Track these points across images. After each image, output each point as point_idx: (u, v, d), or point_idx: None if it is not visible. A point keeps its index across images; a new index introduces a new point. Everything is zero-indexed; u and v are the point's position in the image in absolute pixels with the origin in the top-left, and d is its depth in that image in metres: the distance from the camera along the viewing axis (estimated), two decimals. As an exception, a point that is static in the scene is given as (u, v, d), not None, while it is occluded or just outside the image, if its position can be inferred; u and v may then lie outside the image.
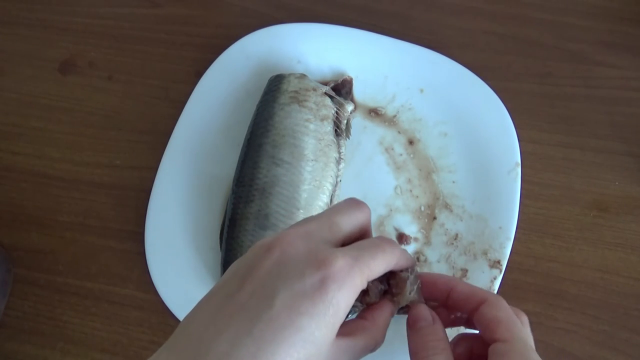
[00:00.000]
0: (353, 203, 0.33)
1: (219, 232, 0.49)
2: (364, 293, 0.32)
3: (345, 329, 0.29)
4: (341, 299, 0.27)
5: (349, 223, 0.31)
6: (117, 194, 0.54)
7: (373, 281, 0.32)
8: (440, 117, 0.53)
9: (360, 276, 0.28)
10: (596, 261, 0.49)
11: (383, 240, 0.31)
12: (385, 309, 0.33)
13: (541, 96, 0.55)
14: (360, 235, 0.33)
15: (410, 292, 0.33)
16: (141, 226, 0.50)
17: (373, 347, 0.31)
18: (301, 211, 0.46)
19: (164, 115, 0.56)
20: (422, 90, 0.54)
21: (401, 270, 0.33)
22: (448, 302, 0.34)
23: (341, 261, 0.28)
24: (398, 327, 0.46)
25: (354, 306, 0.33)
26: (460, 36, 0.58)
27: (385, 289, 0.33)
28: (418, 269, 0.36)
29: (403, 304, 0.33)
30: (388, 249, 0.31)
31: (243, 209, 0.46)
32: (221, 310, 0.27)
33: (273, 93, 0.50)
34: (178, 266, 0.49)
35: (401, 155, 0.52)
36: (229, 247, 0.46)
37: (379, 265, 0.29)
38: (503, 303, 0.32)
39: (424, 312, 0.33)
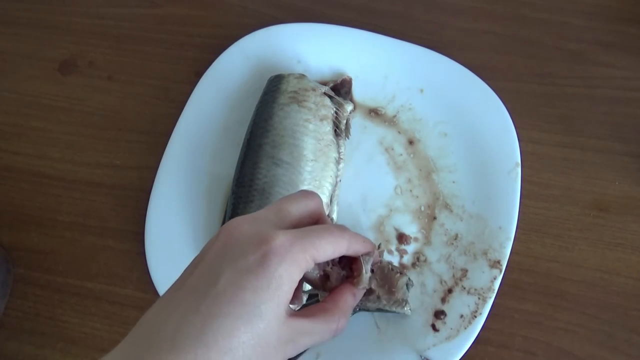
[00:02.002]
0: (303, 192, 0.34)
1: (218, 232, 0.49)
2: (326, 279, 0.33)
3: (303, 312, 0.30)
4: (283, 273, 0.28)
5: (297, 209, 0.32)
6: (117, 194, 0.54)
7: (333, 267, 0.33)
8: (440, 117, 0.53)
9: (303, 252, 0.29)
10: (596, 261, 0.49)
11: (333, 225, 0.32)
12: (345, 291, 0.33)
13: (541, 96, 0.55)
14: (314, 223, 0.33)
15: (367, 272, 0.33)
16: (141, 226, 0.50)
17: (334, 328, 0.31)
18: (301, 211, 0.46)
19: (164, 115, 0.56)
20: (422, 90, 0.54)
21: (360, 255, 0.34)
22: None
23: (282, 237, 0.28)
24: (398, 328, 0.46)
25: (317, 295, 0.34)
26: (460, 36, 0.58)
27: (347, 275, 0.34)
28: (382, 258, 0.38)
29: (361, 286, 0.33)
30: (336, 232, 0.31)
31: (243, 210, 0.46)
32: (173, 296, 0.29)
33: (272, 93, 0.50)
34: (178, 266, 0.48)
35: (401, 155, 0.52)
36: (228, 247, 0.46)
37: (325, 245, 0.30)
38: None
39: None
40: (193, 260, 0.30)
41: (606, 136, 0.53)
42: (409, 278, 0.41)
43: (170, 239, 0.50)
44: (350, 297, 0.33)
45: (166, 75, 0.58)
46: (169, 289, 0.30)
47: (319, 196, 0.34)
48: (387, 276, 0.39)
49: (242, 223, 0.30)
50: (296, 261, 0.28)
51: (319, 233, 0.30)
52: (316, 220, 0.33)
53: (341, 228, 0.32)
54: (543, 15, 0.59)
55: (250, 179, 0.47)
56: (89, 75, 0.59)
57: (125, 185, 0.54)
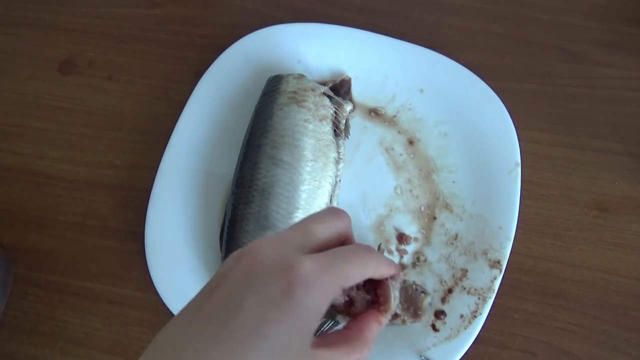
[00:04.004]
0: (332, 211, 0.32)
1: (218, 232, 0.49)
2: (350, 304, 0.32)
3: (327, 340, 0.29)
4: (310, 304, 0.26)
5: (325, 230, 0.30)
6: (117, 194, 0.54)
7: (357, 291, 0.32)
8: (440, 117, 0.53)
9: (331, 281, 0.27)
10: (596, 261, 0.49)
11: (360, 246, 0.30)
12: (371, 318, 0.31)
13: (541, 96, 0.55)
14: (341, 244, 0.31)
15: (395, 299, 0.32)
16: (141, 226, 0.50)
17: (358, 358, 0.30)
18: (300, 211, 0.46)
19: (164, 115, 0.56)
20: (422, 90, 0.54)
21: (387, 279, 0.32)
22: None
23: (309, 266, 0.27)
24: (398, 328, 0.46)
25: (339, 318, 0.33)
26: (460, 36, 0.58)
27: (372, 300, 0.32)
28: (406, 277, 0.36)
29: (390, 313, 0.32)
30: (364, 254, 0.29)
31: (243, 210, 0.46)
32: (190, 322, 0.27)
33: (272, 94, 0.50)
34: (178, 266, 0.49)
35: (401, 155, 0.52)
36: (229, 248, 0.46)
37: (353, 270, 0.28)
38: None
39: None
40: (211, 281, 0.28)
41: (606, 136, 0.53)
42: (430, 296, 0.38)
43: (170, 239, 0.50)
44: (376, 326, 0.31)
45: (166, 75, 0.58)
46: (185, 312, 0.28)
47: (347, 215, 0.32)
48: (411, 297, 0.35)
49: (266, 246, 0.28)
50: (325, 292, 0.27)
51: (348, 257, 0.28)
52: (343, 242, 0.32)
53: (368, 249, 0.30)
54: (543, 15, 0.59)
55: (250, 180, 0.47)
56: (89, 75, 0.59)
57: (125, 185, 0.54)
